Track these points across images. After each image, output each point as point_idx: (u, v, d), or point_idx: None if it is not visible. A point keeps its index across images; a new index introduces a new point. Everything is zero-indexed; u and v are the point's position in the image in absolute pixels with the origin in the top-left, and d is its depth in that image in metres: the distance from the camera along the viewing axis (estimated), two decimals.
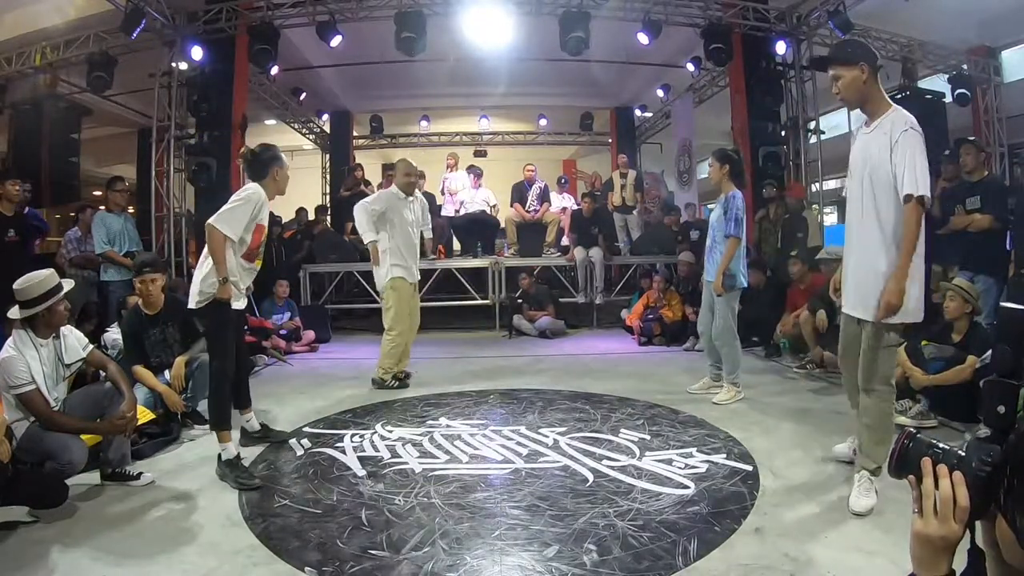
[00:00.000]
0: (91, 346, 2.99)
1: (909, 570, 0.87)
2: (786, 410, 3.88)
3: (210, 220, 2.89)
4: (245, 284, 3.16)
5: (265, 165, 3.09)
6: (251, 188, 3.03)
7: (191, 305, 3.01)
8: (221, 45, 7.25)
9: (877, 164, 2.39)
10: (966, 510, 0.82)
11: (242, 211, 2.95)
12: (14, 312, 2.69)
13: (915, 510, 0.87)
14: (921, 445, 0.89)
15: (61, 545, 2.27)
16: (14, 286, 2.69)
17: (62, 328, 2.84)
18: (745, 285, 4.13)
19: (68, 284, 2.84)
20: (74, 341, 2.89)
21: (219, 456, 2.90)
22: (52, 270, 2.83)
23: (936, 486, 0.85)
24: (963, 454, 0.85)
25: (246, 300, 3.26)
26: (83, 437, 2.70)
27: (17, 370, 2.58)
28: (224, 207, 2.95)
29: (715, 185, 4.16)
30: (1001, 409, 0.87)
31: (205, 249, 2.95)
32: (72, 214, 6.19)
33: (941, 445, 0.88)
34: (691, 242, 7.47)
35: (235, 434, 3.11)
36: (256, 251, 3.13)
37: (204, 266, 2.96)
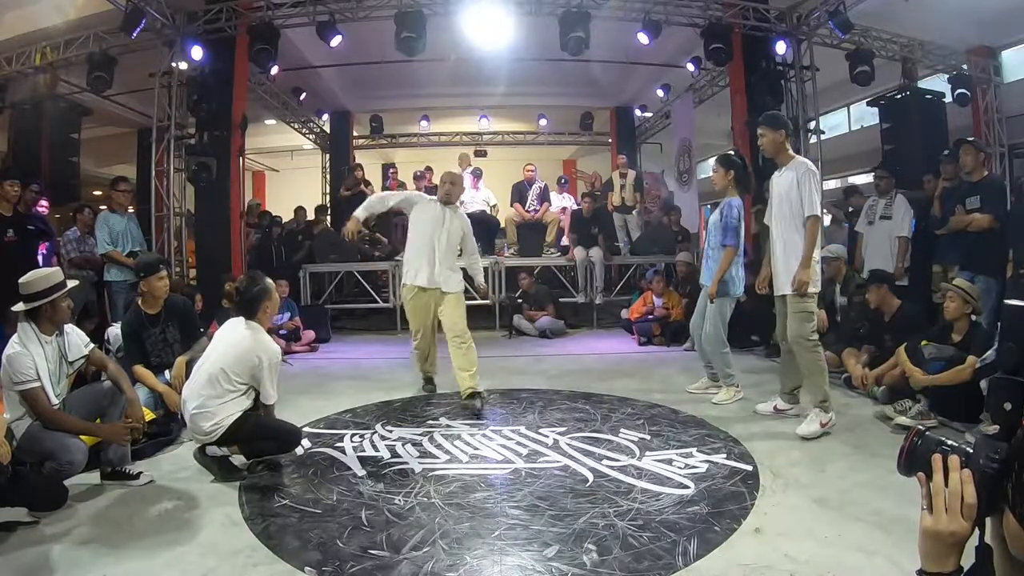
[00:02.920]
0: (92, 345, 3.00)
1: (909, 570, 0.88)
2: None
3: (270, 403, 2.97)
4: None
5: (255, 301, 3.00)
6: (273, 353, 2.99)
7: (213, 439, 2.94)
8: (221, 45, 7.24)
9: (792, 195, 3.46)
10: (974, 507, 0.82)
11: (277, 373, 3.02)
12: (19, 306, 2.71)
13: (924, 507, 0.88)
14: (930, 443, 0.90)
15: (61, 545, 2.27)
16: (20, 281, 2.71)
17: (65, 326, 2.84)
18: (740, 292, 4.16)
19: (73, 283, 2.87)
20: (76, 339, 2.90)
21: (203, 446, 2.92)
22: (58, 268, 2.86)
23: (946, 483, 0.85)
24: (971, 451, 0.86)
25: None
26: (83, 437, 2.69)
27: (23, 366, 2.59)
28: (267, 382, 2.94)
29: (719, 191, 4.15)
30: (1008, 406, 0.87)
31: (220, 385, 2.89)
32: (71, 214, 6.19)
33: (949, 442, 0.89)
34: None
35: None
36: None
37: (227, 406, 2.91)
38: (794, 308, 3.45)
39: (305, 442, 3.33)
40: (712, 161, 4.29)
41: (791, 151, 3.60)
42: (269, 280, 3.11)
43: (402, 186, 9.62)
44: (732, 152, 4.37)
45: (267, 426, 2.95)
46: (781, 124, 3.58)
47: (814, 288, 3.44)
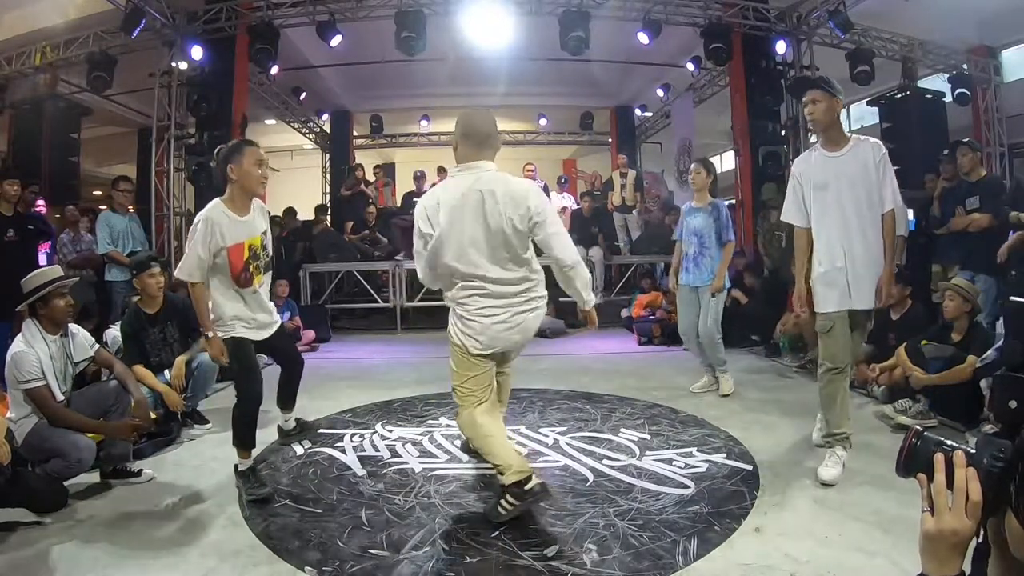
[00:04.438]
0: (98, 345, 3.01)
1: (909, 570, 0.87)
2: (786, 409, 3.87)
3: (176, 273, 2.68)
4: (259, 312, 2.81)
5: (220, 171, 2.66)
6: (198, 217, 2.64)
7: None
8: (221, 45, 7.25)
9: (869, 182, 2.79)
10: (978, 505, 0.81)
11: (193, 250, 2.58)
12: (22, 305, 2.74)
13: (925, 508, 0.86)
14: (929, 443, 0.89)
15: (61, 545, 2.27)
16: (22, 281, 2.74)
17: (70, 327, 2.86)
18: (729, 285, 4.39)
19: (72, 280, 2.88)
20: (82, 340, 2.91)
21: (236, 467, 2.76)
22: (58, 266, 2.91)
23: (950, 482, 0.84)
24: (973, 451, 0.85)
25: (275, 322, 2.96)
26: (88, 435, 2.70)
27: (29, 364, 2.59)
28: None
29: (698, 191, 4.25)
30: (1012, 404, 0.86)
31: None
32: (59, 214, 6.20)
33: (949, 443, 0.88)
34: None
35: (264, 435, 3.06)
36: (243, 274, 2.70)
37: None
38: (868, 325, 3.00)
39: (305, 442, 3.34)
40: (694, 164, 4.39)
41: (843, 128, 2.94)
42: (246, 143, 2.71)
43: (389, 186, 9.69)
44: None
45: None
46: (838, 91, 2.88)
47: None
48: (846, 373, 2.86)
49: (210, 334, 2.65)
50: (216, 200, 2.69)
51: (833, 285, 2.80)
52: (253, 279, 2.75)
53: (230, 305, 2.71)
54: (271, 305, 2.95)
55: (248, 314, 2.77)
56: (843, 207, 2.81)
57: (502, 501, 2.35)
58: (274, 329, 2.94)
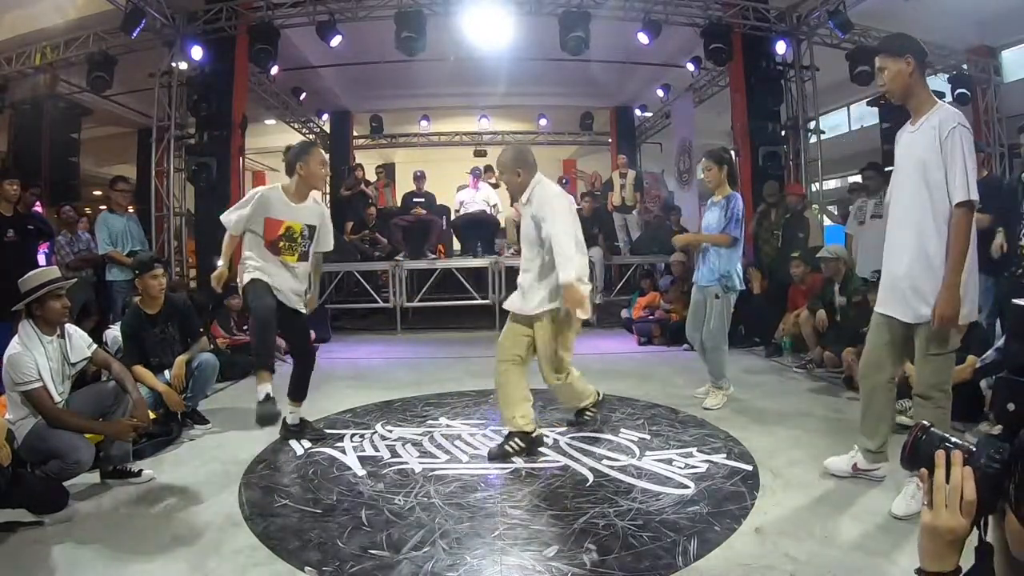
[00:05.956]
0: (95, 346, 3.00)
1: (909, 570, 0.88)
2: (786, 410, 3.87)
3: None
4: (280, 279, 3.21)
5: (290, 164, 3.25)
6: (256, 189, 3.27)
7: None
8: (221, 45, 7.25)
9: (928, 165, 2.32)
10: (972, 504, 0.83)
11: (240, 206, 3.21)
12: (19, 306, 2.74)
13: (924, 503, 0.88)
14: (934, 438, 0.90)
15: (61, 545, 2.27)
16: (19, 281, 2.74)
17: (67, 328, 2.85)
18: (743, 287, 4.05)
19: (69, 282, 2.87)
20: (79, 341, 2.90)
21: (260, 400, 3.04)
22: (55, 267, 2.88)
23: (948, 478, 0.85)
24: (974, 450, 0.86)
25: (296, 300, 3.33)
26: (87, 436, 2.70)
27: (25, 367, 2.59)
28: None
29: (713, 188, 4.01)
30: (1011, 406, 0.87)
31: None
32: (56, 215, 6.16)
33: (953, 440, 0.89)
34: None
35: (266, 433, 3.30)
36: (276, 244, 3.20)
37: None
38: (933, 347, 2.38)
39: (305, 442, 3.35)
40: (703, 159, 4.15)
41: (932, 95, 2.44)
42: (314, 145, 3.38)
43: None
44: (721, 148, 4.25)
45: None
46: (907, 48, 2.37)
47: (964, 319, 2.34)
48: (874, 384, 2.61)
49: (220, 263, 3.22)
50: (278, 184, 3.31)
51: (891, 285, 2.50)
52: (281, 253, 3.22)
53: (258, 258, 3.16)
54: (300, 287, 3.33)
55: (272, 269, 3.17)
56: (903, 193, 2.42)
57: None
58: (292, 303, 3.29)
